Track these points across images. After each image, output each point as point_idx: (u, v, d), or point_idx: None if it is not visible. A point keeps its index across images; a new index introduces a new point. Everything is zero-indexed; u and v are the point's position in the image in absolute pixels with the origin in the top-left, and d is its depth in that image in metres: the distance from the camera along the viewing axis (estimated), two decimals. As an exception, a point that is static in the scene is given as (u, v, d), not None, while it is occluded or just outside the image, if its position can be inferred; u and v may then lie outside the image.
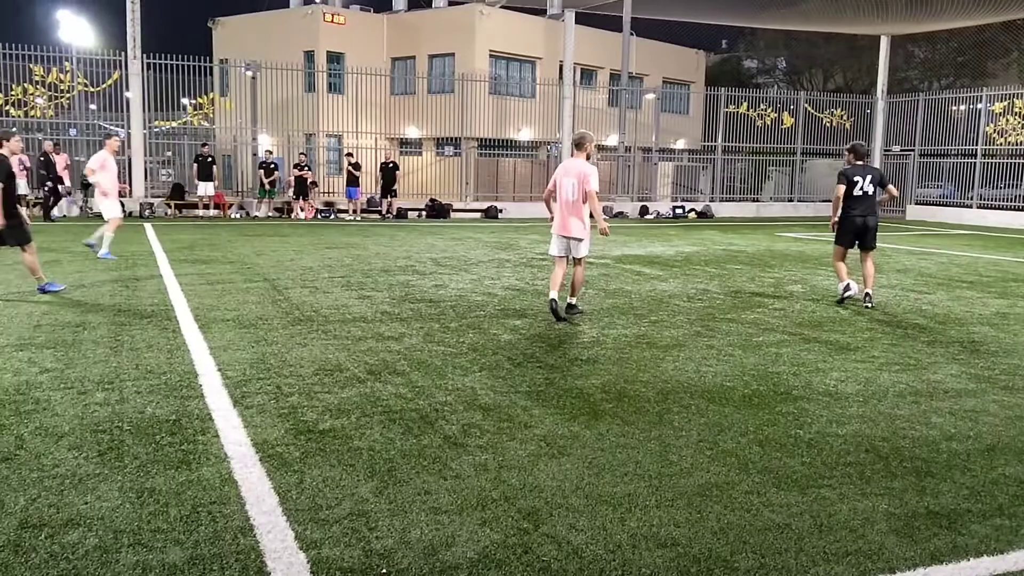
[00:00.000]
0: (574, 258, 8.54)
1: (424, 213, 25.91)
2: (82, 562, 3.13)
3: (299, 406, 5.19)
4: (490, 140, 29.32)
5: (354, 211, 25.07)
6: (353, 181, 24.90)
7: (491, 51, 32.82)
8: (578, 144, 8.44)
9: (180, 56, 23.74)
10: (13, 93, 22.30)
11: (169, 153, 25.73)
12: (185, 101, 24.45)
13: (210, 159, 23.25)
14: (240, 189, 25.75)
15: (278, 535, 3.40)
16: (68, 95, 23.04)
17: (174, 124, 25.01)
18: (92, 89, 23.18)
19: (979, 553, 3.40)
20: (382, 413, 5.09)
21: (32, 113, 22.68)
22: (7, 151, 8.84)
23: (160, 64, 23.48)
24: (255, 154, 25.15)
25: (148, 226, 19.23)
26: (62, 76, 22.75)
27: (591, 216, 8.39)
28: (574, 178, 8.27)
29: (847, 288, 9.71)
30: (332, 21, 32.71)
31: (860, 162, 9.83)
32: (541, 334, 7.62)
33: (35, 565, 3.10)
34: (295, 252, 14.43)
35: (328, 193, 27.26)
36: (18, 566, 3.09)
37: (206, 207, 23.39)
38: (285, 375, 5.94)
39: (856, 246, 9.83)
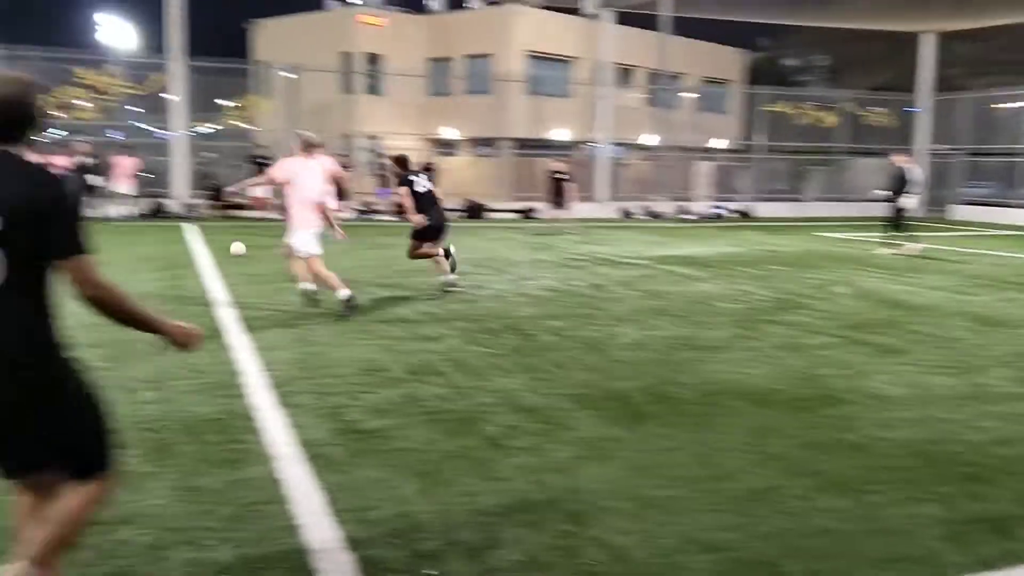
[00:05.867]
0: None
1: (461, 214, 25.94)
2: (134, 560, 3.18)
3: (342, 406, 5.22)
4: (526, 140, 29.30)
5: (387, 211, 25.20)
6: (385, 182, 25.05)
7: (528, 51, 32.78)
8: (314, 145, 8.82)
9: (220, 58, 24.06)
10: (56, 96, 22.69)
11: (211, 154, 26.04)
12: (224, 103, 24.75)
13: (261, 160, 23.60)
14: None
15: (325, 534, 3.42)
16: (111, 97, 23.41)
17: (216, 127, 25.31)
18: (134, 92, 23.53)
19: (1033, 560, 3.33)
20: (424, 414, 5.10)
21: (76, 116, 23.06)
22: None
23: (200, 66, 23.79)
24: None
25: (190, 226, 19.48)
26: (104, 79, 23.12)
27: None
28: (318, 176, 8.62)
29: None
30: (370, 23, 32.91)
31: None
32: (582, 335, 7.59)
33: (88, 562, 3.14)
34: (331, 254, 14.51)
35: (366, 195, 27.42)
36: (69, 563, 3.14)
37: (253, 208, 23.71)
38: (327, 375, 5.98)
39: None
